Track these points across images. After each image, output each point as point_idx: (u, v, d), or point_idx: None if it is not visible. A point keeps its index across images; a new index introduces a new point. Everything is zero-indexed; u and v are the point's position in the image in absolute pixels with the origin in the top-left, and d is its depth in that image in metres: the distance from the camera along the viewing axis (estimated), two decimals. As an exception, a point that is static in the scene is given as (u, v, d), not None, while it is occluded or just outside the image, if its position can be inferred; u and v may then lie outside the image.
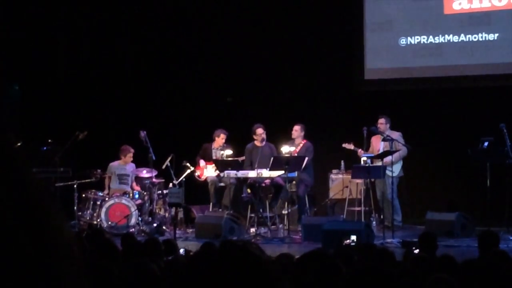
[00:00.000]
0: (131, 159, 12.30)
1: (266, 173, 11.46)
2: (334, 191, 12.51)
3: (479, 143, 10.72)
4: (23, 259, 0.93)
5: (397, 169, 11.82)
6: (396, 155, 11.64)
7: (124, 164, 12.31)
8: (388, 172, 11.47)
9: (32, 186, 0.99)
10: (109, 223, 11.44)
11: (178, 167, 12.04)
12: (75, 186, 11.77)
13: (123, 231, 10.66)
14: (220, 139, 12.59)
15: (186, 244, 9.07)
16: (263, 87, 13.68)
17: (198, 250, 1.54)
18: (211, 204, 12.38)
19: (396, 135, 11.80)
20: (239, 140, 12.63)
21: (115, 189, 12.13)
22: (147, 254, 5.69)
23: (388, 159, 11.22)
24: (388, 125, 11.93)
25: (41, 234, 0.96)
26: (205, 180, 12.56)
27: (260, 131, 12.16)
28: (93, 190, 11.91)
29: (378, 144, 11.76)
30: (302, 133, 12.23)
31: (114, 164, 12.31)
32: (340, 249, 6.57)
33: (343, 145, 11.87)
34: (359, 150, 11.78)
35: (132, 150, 12.25)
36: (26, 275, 0.92)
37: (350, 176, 11.98)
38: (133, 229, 11.31)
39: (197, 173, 12.58)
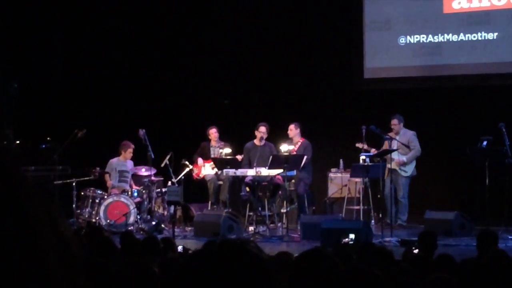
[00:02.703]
0: (131, 154, 12.29)
1: (265, 171, 11.46)
2: (333, 190, 12.52)
3: (478, 142, 10.72)
4: (14, 261, 0.92)
5: (410, 169, 11.86)
6: (410, 156, 11.71)
7: (124, 160, 12.30)
8: (401, 172, 11.50)
9: (22, 186, 0.98)
10: (108, 221, 11.43)
11: (177, 165, 12.05)
12: (73, 184, 11.74)
13: (121, 229, 10.64)
14: (212, 134, 12.65)
15: (185, 242, 9.07)
16: (262, 86, 13.67)
17: (199, 249, 1.53)
18: (209, 202, 12.39)
19: (409, 134, 11.84)
20: (238, 139, 12.63)
21: (114, 186, 12.12)
22: (145, 252, 5.69)
23: (400, 159, 11.28)
24: (401, 124, 11.93)
25: (32, 235, 0.95)
26: (203, 178, 12.57)
27: (263, 129, 12.15)
28: (92, 188, 11.89)
29: (391, 143, 11.71)
30: (298, 131, 12.23)
31: (114, 160, 12.30)
32: (338, 247, 6.57)
33: (357, 144, 11.84)
34: (372, 150, 11.76)
35: (132, 146, 12.23)
36: (19, 279, 0.92)
37: (349, 175, 11.99)
38: (132, 227, 11.30)
39: (195, 172, 12.58)
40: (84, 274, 0.99)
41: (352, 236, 9.12)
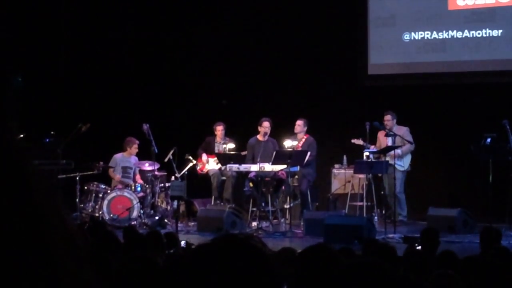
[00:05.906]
0: (136, 150, 12.30)
1: (268, 167, 11.45)
2: (336, 186, 12.51)
3: (481, 139, 10.71)
4: (23, 251, 0.93)
5: (406, 163, 11.85)
6: (405, 149, 11.68)
7: (128, 156, 12.31)
8: (398, 167, 11.50)
9: (33, 178, 0.98)
10: (111, 215, 11.45)
11: (181, 160, 12.05)
12: (77, 178, 11.77)
13: (125, 224, 10.66)
14: (218, 131, 12.64)
15: (188, 238, 9.08)
16: (266, 82, 13.66)
17: (203, 243, 1.52)
18: (213, 197, 12.39)
19: (403, 130, 11.81)
20: (242, 134, 12.63)
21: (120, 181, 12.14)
22: (149, 247, 5.70)
23: (396, 152, 11.25)
24: (394, 121, 11.92)
25: (41, 225, 0.95)
26: (207, 173, 12.57)
27: (266, 124, 12.15)
28: (95, 183, 11.91)
29: (386, 140, 11.73)
30: (305, 128, 12.23)
31: (118, 156, 12.31)
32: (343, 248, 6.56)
33: (352, 140, 11.85)
34: (372, 146, 11.76)
35: (137, 142, 12.25)
36: (27, 268, 0.92)
37: (352, 171, 11.99)
38: (135, 222, 11.32)
39: (198, 166, 12.58)
40: (89, 267, 1.00)
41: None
